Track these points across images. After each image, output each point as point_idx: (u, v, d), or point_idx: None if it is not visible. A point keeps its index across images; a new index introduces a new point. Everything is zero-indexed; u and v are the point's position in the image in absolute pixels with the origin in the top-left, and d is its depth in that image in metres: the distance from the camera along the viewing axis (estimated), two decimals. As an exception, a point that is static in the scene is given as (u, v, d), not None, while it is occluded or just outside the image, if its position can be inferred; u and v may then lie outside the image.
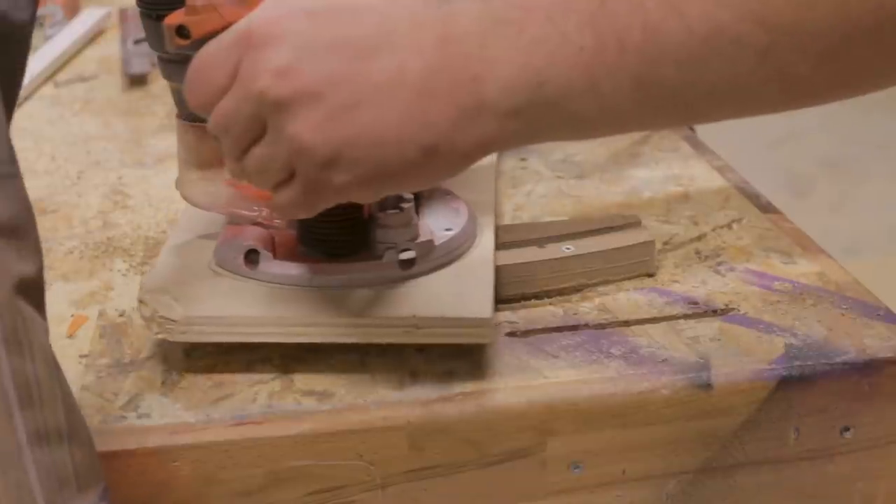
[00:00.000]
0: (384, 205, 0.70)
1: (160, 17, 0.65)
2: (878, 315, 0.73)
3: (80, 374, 0.68)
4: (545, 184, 0.92)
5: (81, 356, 0.70)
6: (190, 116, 0.72)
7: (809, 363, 0.68)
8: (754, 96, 0.56)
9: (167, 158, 0.98)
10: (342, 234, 0.71)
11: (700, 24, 0.54)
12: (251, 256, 0.70)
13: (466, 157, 0.58)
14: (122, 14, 1.31)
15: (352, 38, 0.57)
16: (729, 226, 0.85)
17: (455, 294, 0.68)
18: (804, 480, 0.70)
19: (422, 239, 0.70)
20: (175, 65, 0.69)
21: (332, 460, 0.64)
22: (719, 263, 0.79)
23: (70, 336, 0.72)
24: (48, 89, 1.15)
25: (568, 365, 0.68)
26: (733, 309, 0.73)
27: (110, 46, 1.27)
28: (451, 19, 0.57)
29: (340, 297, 0.68)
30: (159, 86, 1.15)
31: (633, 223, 0.80)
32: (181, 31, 0.61)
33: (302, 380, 0.67)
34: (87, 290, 0.77)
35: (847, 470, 0.70)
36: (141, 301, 0.68)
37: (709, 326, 0.72)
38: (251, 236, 0.71)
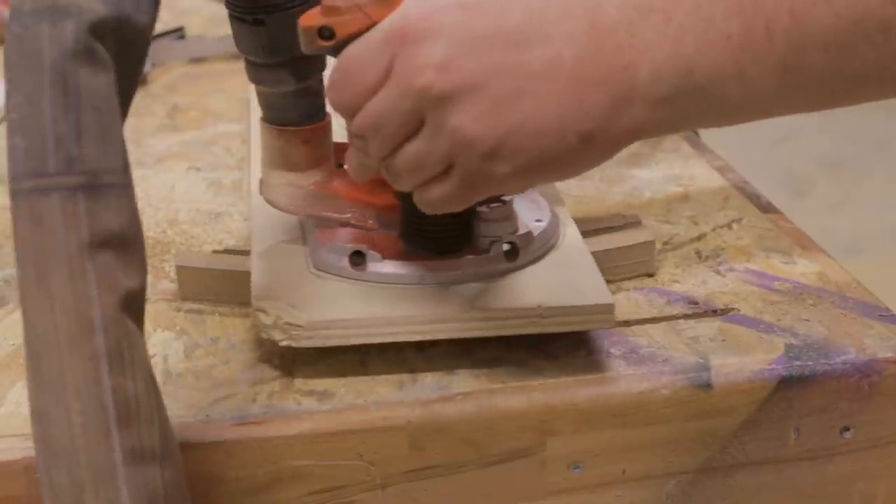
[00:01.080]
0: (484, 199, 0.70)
1: (258, 22, 0.66)
2: (878, 315, 0.73)
3: (81, 374, 0.68)
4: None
5: (81, 356, 0.70)
6: (276, 119, 0.71)
7: (809, 363, 0.68)
8: None
9: (167, 158, 0.98)
10: (452, 230, 0.70)
11: (847, 10, 0.54)
12: (356, 258, 0.70)
13: (618, 144, 0.59)
14: (122, 14, 1.31)
15: (505, 30, 0.57)
16: (729, 226, 0.85)
17: (566, 283, 0.69)
18: (804, 480, 0.70)
19: (521, 231, 0.71)
20: (267, 68, 0.69)
21: (332, 460, 0.64)
22: (719, 263, 0.79)
23: (70, 336, 0.72)
24: (48, 89, 1.15)
25: (568, 365, 0.68)
26: (733, 309, 0.73)
27: (110, 46, 1.27)
28: (598, 8, 0.57)
29: (454, 293, 0.68)
30: (159, 86, 1.15)
31: (633, 223, 0.80)
32: (324, 32, 0.60)
33: (302, 380, 0.67)
34: (88, 290, 0.77)
35: (847, 470, 0.70)
36: (260, 310, 0.66)
37: (709, 326, 0.72)
38: (351, 238, 0.71)
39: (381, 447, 0.64)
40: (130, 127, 1.05)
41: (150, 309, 0.74)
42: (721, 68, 0.56)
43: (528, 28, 0.57)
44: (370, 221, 0.72)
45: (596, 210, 0.87)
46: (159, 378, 0.67)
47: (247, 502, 0.64)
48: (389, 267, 0.70)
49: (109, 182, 0.53)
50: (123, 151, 0.54)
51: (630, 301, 0.75)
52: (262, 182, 0.75)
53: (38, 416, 0.52)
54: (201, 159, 0.98)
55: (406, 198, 0.68)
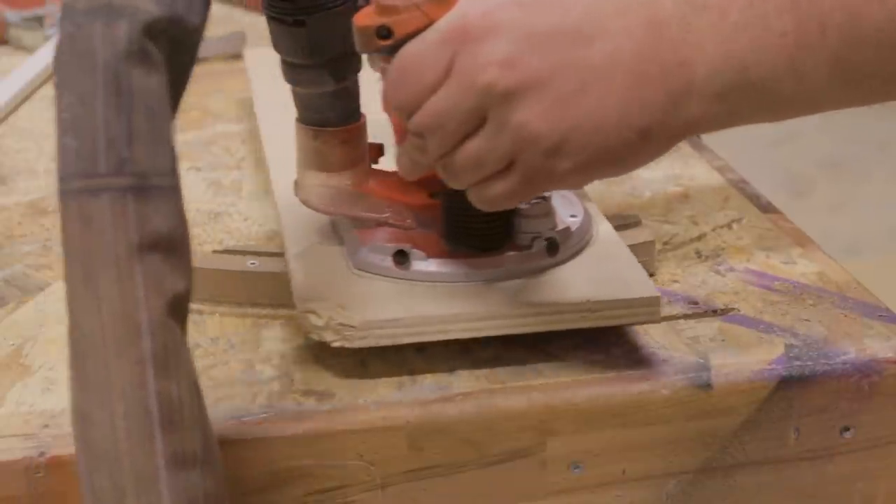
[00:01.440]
0: None
1: (299, 23, 0.66)
2: (878, 315, 0.73)
3: (80, 374, 0.68)
4: (545, 184, 0.91)
5: (81, 356, 0.70)
6: (314, 120, 0.72)
7: (809, 363, 0.68)
8: None
9: (167, 158, 0.98)
10: (495, 227, 0.71)
11: None
12: (399, 257, 0.70)
13: (674, 138, 0.59)
14: (122, 14, 1.31)
15: (564, 26, 0.58)
16: (729, 226, 0.85)
17: (609, 277, 0.70)
18: (804, 480, 0.70)
19: (560, 227, 0.72)
20: (306, 69, 0.69)
21: (331, 460, 0.64)
22: (719, 263, 0.79)
23: (70, 336, 0.72)
24: (48, 89, 1.15)
25: (568, 365, 0.68)
26: (733, 309, 0.73)
27: (110, 46, 1.27)
28: (653, 4, 0.58)
29: (498, 290, 0.69)
30: (159, 86, 1.15)
31: (634, 223, 0.80)
32: (382, 31, 0.61)
33: (302, 380, 0.67)
34: (87, 290, 0.77)
35: (847, 470, 0.70)
36: (310, 311, 0.66)
37: (709, 326, 0.72)
38: (390, 238, 0.71)
39: (380, 447, 0.64)
40: (130, 127, 1.05)
41: (149, 309, 0.75)
42: (775, 65, 0.57)
43: (587, 24, 0.58)
44: (408, 221, 0.73)
45: (596, 210, 0.87)
46: (159, 378, 0.67)
47: (247, 502, 0.64)
48: (434, 265, 0.70)
49: (159, 184, 0.53)
50: (173, 153, 0.54)
51: (630, 301, 0.75)
52: (296, 183, 0.74)
53: (81, 417, 0.52)
54: (201, 159, 0.98)
55: (449, 196, 0.69)
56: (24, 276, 0.79)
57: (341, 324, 0.65)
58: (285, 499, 0.64)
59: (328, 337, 0.66)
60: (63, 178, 0.52)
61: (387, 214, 0.73)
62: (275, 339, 0.71)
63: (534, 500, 0.67)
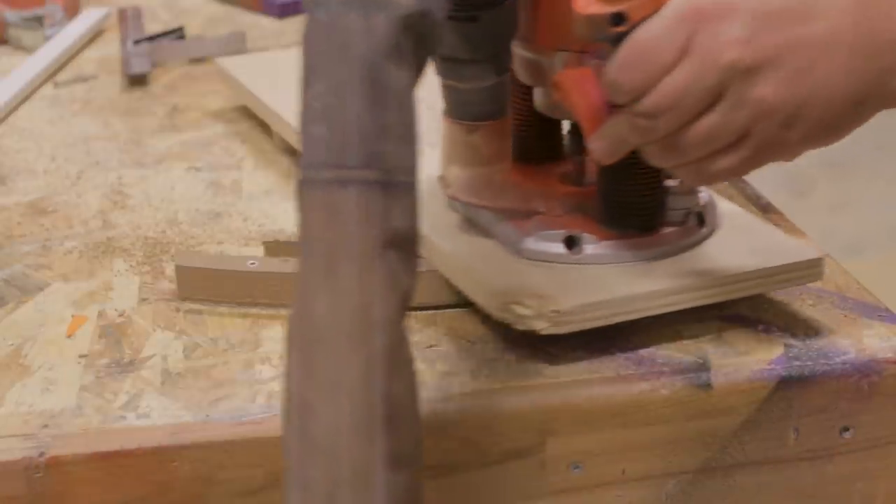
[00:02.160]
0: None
1: (472, 19, 0.68)
2: (878, 315, 0.73)
3: (80, 374, 0.68)
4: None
5: (81, 356, 0.70)
6: (471, 115, 0.73)
7: (809, 363, 0.68)
8: None
9: (167, 158, 0.98)
10: (655, 206, 0.73)
11: None
12: (570, 242, 0.71)
13: (880, 108, 0.63)
14: (122, 14, 1.31)
15: (790, 4, 0.61)
16: (729, 226, 0.84)
17: (765, 245, 0.73)
18: (804, 480, 0.70)
19: (703, 202, 0.75)
20: (471, 64, 0.70)
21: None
22: (719, 263, 0.79)
23: (70, 336, 0.72)
24: (48, 89, 1.15)
25: (567, 365, 0.68)
26: (733, 309, 0.73)
27: (110, 47, 1.27)
28: None
29: (671, 265, 0.71)
30: (159, 86, 1.15)
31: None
32: (617, 18, 0.62)
33: (302, 380, 0.67)
34: (87, 290, 0.77)
35: (847, 470, 0.70)
36: (516, 303, 0.67)
37: (708, 326, 0.72)
38: (547, 225, 0.72)
39: (380, 447, 0.64)
40: (130, 127, 1.05)
41: (149, 309, 0.75)
42: None
43: (806, 3, 0.61)
44: (558, 207, 0.74)
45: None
46: (158, 378, 0.67)
47: (246, 502, 0.64)
48: (603, 248, 0.71)
49: (403, 181, 0.53)
50: (416, 151, 0.54)
51: (630, 301, 0.75)
52: (443, 179, 0.76)
53: (303, 408, 0.51)
54: (201, 159, 0.98)
55: (608, 179, 0.72)
56: (24, 276, 0.79)
57: (554, 311, 0.66)
58: (285, 499, 0.64)
59: (538, 325, 0.66)
60: (309, 166, 0.52)
61: (538, 203, 0.74)
62: (275, 339, 0.71)
63: (534, 500, 0.67)
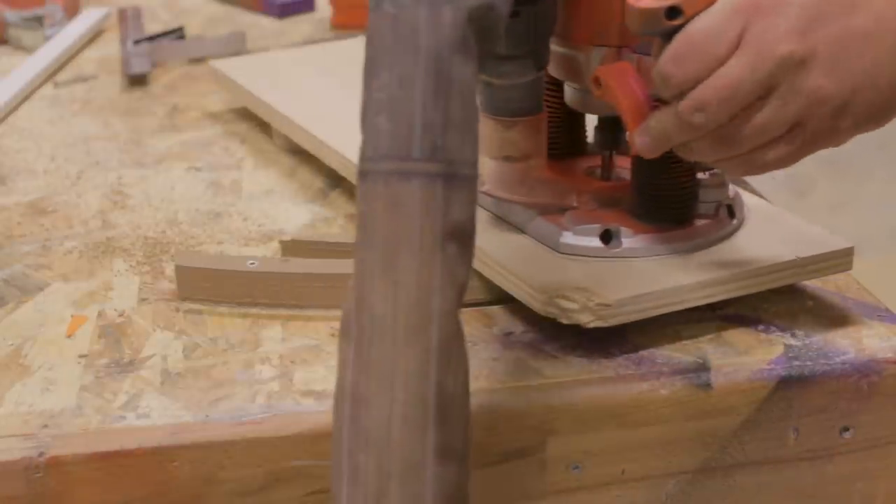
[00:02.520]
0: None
1: (514, 14, 0.68)
2: (878, 315, 0.73)
3: (80, 374, 0.68)
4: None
5: (81, 356, 0.70)
6: (511, 111, 0.73)
7: (809, 363, 0.68)
8: None
9: (167, 158, 0.98)
10: (688, 199, 0.74)
11: None
12: (607, 237, 0.72)
13: None
14: (122, 14, 1.31)
15: None
16: (729, 226, 0.84)
17: (794, 236, 0.74)
18: (803, 480, 0.70)
19: (732, 194, 0.76)
20: (512, 60, 0.70)
21: (331, 460, 0.64)
22: (719, 263, 0.79)
23: (70, 336, 0.72)
24: (48, 89, 1.15)
25: (567, 365, 0.68)
26: (733, 309, 0.73)
27: (110, 47, 1.27)
28: None
29: (706, 256, 0.72)
30: (159, 86, 1.15)
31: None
32: (673, 12, 0.62)
33: (301, 380, 0.67)
34: (87, 290, 0.77)
35: (846, 470, 0.70)
36: (562, 297, 0.68)
37: (708, 326, 0.72)
38: (582, 220, 0.73)
39: (380, 447, 0.64)
40: (130, 127, 1.05)
41: (149, 309, 0.75)
42: None
43: None
44: (590, 202, 0.75)
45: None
46: (158, 378, 0.67)
47: (246, 502, 0.64)
48: (639, 241, 0.72)
49: (464, 174, 0.53)
50: (477, 144, 0.54)
51: (630, 301, 0.75)
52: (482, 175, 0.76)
53: (358, 399, 0.51)
54: (201, 159, 0.98)
55: (647, 172, 0.73)
56: (24, 276, 0.79)
57: (600, 304, 0.67)
58: (285, 499, 0.64)
59: (584, 318, 0.67)
60: (371, 157, 0.52)
61: (571, 198, 0.75)
62: (275, 339, 0.71)
63: (533, 500, 0.67)
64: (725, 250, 0.73)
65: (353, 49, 1.13)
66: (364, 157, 0.53)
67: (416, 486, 0.50)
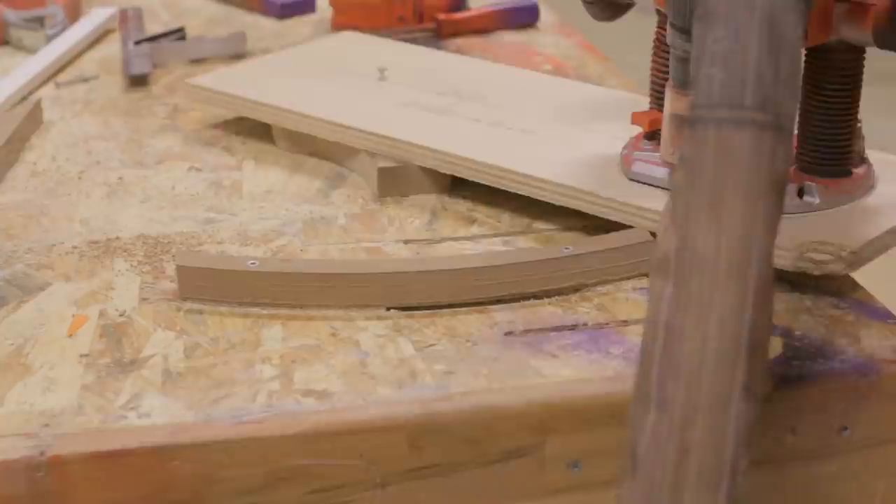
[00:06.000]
0: None
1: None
2: (878, 315, 0.73)
3: (81, 374, 0.68)
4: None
5: (82, 356, 0.70)
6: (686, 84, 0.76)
7: (807, 363, 0.68)
8: None
9: (167, 158, 0.98)
10: (852, 149, 0.79)
11: None
12: (800, 192, 0.77)
13: None
14: (123, 15, 1.31)
15: None
16: (728, 226, 0.85)
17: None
18: (801, 480, 0.70)
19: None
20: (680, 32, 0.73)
21: (331, 460, 0.64)
22: (718, 263, 0.79)
23: (71, 336, 0.72)
24: (49, 90, 1.16)
25: (567, 365, 0.68)
26: (732, 309, 0.74)
27: (111, 47, 1.27)
28: None
29: (872, 202, 0.78)
30: (160, 86, 1.15)
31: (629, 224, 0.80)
32: None
33: (302, 380, 0.67)
34: (88, 289, 0.78)
35: (845, 470, 0.70)
36: (814, 250, 0.71)
37: (707, 326, 0.72)
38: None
39: (380, 447, 0.64)
40: (131, 127, 1.05)
41: (150, 309, 0.75)
42: None
43: None
44: None
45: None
46: (158, 377, 0.68)
47: (246, 502, 0.64)
48: (821, 194, 0.76)
49: (788, 127, 0.56)
50: (798, 100, 0.57)
51: (630, 301, 0.75)
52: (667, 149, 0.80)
53: (671, 329, 0.53)
54: (201, 159, 0.98)
55: (817, 125, 0.76)
56: (25, 275, 0.80)
57: (852, 252, 0.71)
58: (285, 499, 0.64)
59: (837, 268, 0.71)
60: (705, 105, 0.55)
61: None
62: (275, 339, 0.72)
63: (533, 499, 0.67)
64: (886, 195, 0.78)
65: (314, 50, 1.13)
66: (697, 104, 0.56)
67: (720, 420, 0.52)
